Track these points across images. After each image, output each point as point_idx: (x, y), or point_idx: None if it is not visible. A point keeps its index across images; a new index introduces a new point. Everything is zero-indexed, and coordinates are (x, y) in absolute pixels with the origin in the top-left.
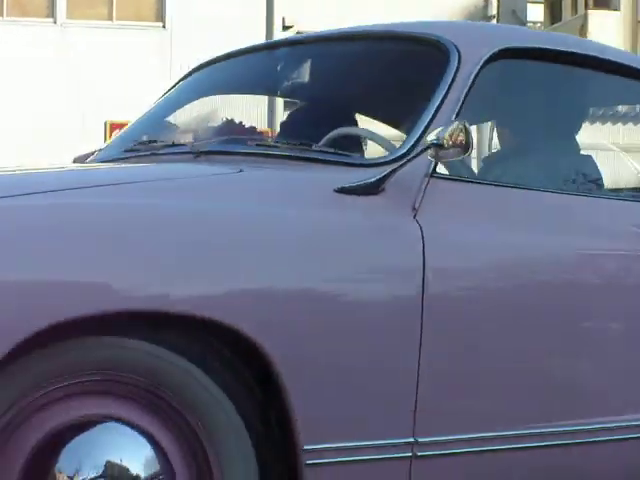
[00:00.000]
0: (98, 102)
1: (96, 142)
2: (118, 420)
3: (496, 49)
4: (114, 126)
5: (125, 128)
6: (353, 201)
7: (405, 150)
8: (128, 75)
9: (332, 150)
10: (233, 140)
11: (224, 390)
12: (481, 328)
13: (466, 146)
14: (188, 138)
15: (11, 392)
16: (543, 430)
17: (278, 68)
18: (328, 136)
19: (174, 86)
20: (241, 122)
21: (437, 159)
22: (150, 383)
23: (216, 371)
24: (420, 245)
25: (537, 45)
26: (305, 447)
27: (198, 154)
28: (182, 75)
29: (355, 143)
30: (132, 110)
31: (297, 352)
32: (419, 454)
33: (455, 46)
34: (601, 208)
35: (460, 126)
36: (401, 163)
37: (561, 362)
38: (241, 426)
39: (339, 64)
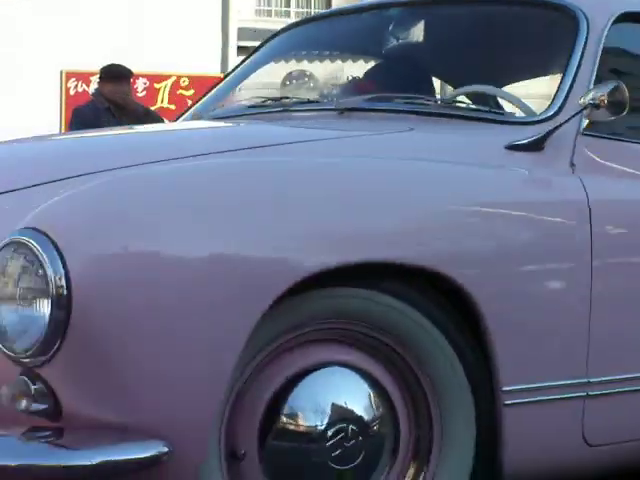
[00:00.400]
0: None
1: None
2: (342, 364)
3: (619, 12)
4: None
5: (220, 85)
6: (522, 157)
7: (556, 110)
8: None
9: (487, 108)
10: (376, 98)
11: (440, 330)
12: None
13: (622, 106)
14: (308, 94)
15: (269, 334)
16: None
17: (390, 29)
18: (459, 91)
19: (264, 44)
20: (361, 79)
21: (592, 119)
22: (373, 328)
23: (432, 313)
24: (584, 196)
25: None
26: (504, 388)
27: (342, 111)
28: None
29: (485, 101)
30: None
31: (498, 299)
32: (591, 394)
33: (582, 12)
34: None
35: (616, 86)
36: (560, 122)
37: None
38: (455, 357)
39: (466, 27)
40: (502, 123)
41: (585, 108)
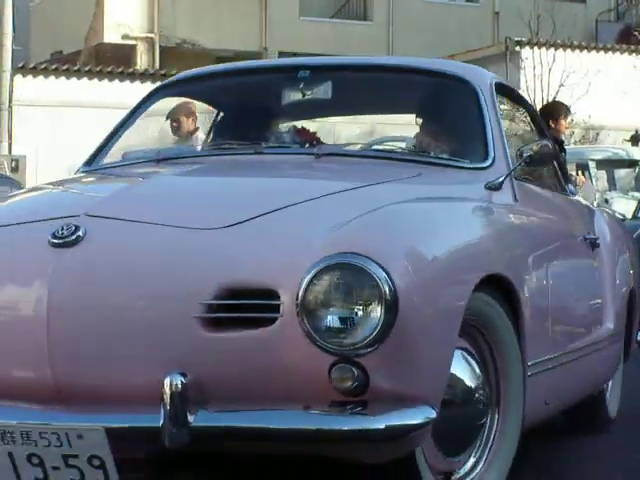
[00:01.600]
0: None
1: None
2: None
3: (493, 82)
4: None
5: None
6: (493, 193)
7: (492, 160)
8: None
9: (447, 156)
10: (349, 144)
11: (504, 312)
12: None
13: (550, 158)
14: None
15: None
16: None
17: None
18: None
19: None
20: (303, 127)
21: (525, 166)
22: (475, 318)
23: (501, 303)
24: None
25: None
26: (529, 363)
27: (320, 156)
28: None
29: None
30: None
31: (528, 290)
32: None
33: (470, 81)
34: None
35: (544, 144)
36: (509, 171)
37: None
38: (507, 320)
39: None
40: (462, 169)
41: (524, 160)
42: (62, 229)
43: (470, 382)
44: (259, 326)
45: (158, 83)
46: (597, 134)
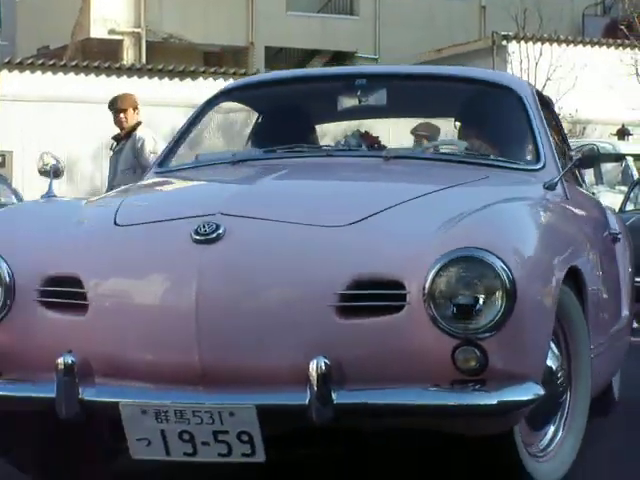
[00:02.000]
0: None
1: None
2: None
3: (533, 90)
4: None
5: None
6: (550, 193)
7: (544, 162)
8: None
9: (503, 158)
10: (416, 147)
11: (576, 298)
12: None
13: (595, 160)
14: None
15: None
16: None
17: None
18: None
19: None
20: (367, 131)
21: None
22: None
23: (574, 291)
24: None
25: None
26: (591, 347)
27: (388, 158)
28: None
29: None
30: None
31: (589, 279)
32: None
33: (516, 90)
34: None
35: (591, 146)
36: (562, 172)
37: None
38: (579, 308)
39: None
40: (519, 170)
41: (574, 163)
42: (204, 227)
43: (553, 363)
44: (387, 313)
45: (144, 78)
46: (584, 128)
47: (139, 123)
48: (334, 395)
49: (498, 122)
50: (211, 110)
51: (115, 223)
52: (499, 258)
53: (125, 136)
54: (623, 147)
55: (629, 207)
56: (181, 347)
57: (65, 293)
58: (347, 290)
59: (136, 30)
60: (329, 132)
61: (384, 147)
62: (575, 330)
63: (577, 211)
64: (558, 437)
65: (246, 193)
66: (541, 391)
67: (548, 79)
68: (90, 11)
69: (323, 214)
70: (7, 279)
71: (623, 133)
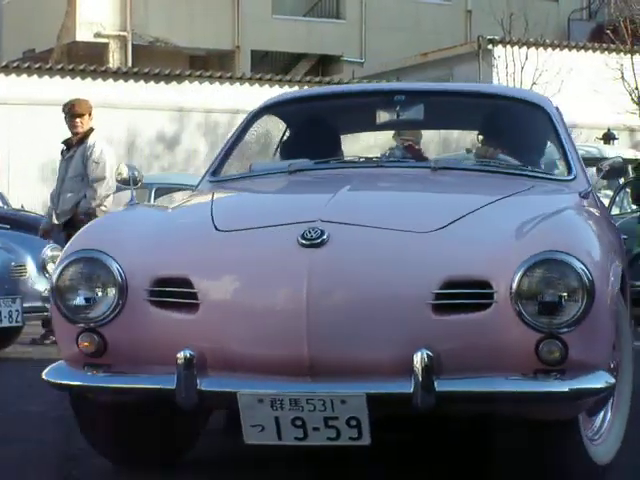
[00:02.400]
0: None
1: None
2: None
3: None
4: None
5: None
6: (585, 200)
7: (575, 174)
8: None
9: (543, 170)
10: (461, 158)
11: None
12: None
13: (621, 172)
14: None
15: None
16: None
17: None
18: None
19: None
20: (411, 144)
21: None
22: None
23: None
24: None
25: None
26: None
27: (436, 169)
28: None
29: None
30: None
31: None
32: None
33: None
34: None
35: (617, 160)
36: (594, 182)
37: None
38: (624, 305)
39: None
40: (555, 181)
41: (604, 175)
42: (310, 232)
43: None
44: (477, 310)
45: (130, 81)
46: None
47: (92, 129)
48: (436, 384)
49: (529, 136)
50: (256, 122)
51: (216, 229)
52: (579, 260)
53: (77, 142)
54: (609, 151)
55: (615, 211)
56: (291, 341)
57: (176, 293)
58: (441, 289)
59: (122, 33)
60: (359, 141)
61: (426, 158)
62: (622, 325)
63: (607, 217)
64: (607, 422)
65: (341, 202)
66: (612, 379)
67: (534, 83)
68: (76, 14)
69: (412, 221)
70: (120, 280)
71: (609, 137)
